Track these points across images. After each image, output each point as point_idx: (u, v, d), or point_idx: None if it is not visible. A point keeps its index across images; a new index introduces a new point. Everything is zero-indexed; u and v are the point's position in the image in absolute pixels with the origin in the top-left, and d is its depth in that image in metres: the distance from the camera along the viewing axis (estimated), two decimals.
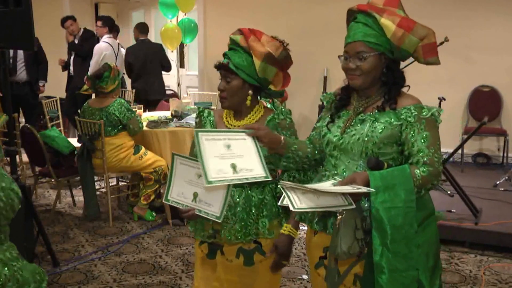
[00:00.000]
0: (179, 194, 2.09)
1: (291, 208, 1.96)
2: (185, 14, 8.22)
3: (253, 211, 2.44)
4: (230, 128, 2.50)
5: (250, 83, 2.44)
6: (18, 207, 1.73)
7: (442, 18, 7.37)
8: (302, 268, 4.33)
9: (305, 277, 4.16)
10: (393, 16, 2.17)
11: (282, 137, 2.35)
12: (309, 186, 2.07)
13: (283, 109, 2.51)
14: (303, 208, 1.99)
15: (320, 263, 2.37)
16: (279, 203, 2.09)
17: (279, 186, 2.17)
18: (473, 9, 7.40)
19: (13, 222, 3.25)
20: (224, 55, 2.49)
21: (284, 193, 2.05)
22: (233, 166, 2.07)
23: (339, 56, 2.28)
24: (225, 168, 2.06)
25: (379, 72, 2.23)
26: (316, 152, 2.46)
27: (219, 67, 2.47)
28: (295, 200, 1.99)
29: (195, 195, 2.11)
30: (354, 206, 2.02)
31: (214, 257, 2.56)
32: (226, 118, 2.58)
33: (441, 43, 5.71)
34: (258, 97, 2.57)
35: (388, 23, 2.15)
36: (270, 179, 2.17)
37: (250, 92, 2.46)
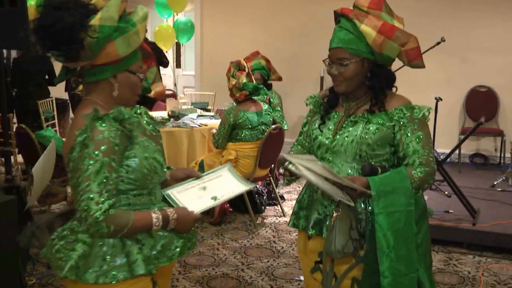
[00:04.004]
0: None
1: (300, 172, 1.98)
2: (176, 14, 8.19)
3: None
4: None
5: None
6: (162, 172, 2.07)
7: (439, 19, 7.38)
8: (300, 270, 4.30)
9: (302, 278, 4.13)
10: (374, 21, 2.15)
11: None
12: (311, 166, 2.05)
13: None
14: (307, 177, 2.00)
15: (316, 268, 2.34)
16: (285, 165, 2.09)
17: (284, 156, 2.14)
18: (470, 10, 7.39)
19: (8, 223, 3.23)
20: None
21: (290, 162, 2.05)
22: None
23: (324, 60, 2.28)
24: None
25: (362, 77, 2.23)
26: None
27: None
28: (302, 169, 2.00)
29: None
30: (352, 203, 2.02)
31: None
32: None
33: (438, 43, 5.75)
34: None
35: (368, 30, 2.14)
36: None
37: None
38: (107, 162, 1.84)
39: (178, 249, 2.03)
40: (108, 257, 1.91)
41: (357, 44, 2.16)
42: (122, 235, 1.90)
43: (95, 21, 1.86)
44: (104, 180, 1.83)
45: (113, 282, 1.90)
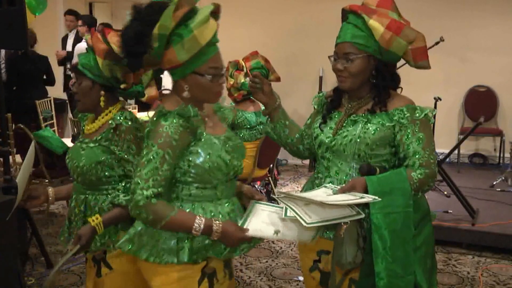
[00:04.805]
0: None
1: (303, 224, 1.92)
2: None
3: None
4: (86, 134, 2.44)
5: (100, 83, 2.35)
6: (227, 169, 2.08)
7: (438, 18, 7.37)
8: (298, 270, 4.30)
9: (301, 278, 4.13)
10: (382, 18, 2.15)
11: (278, 101, 2.42)
12: (307, 195, 2.02)
13: (123, 113, 2.35)
14: (314, 222, 1.94)
15: (315, 267, 2.34)
16: (283, 216, 2.03)
17: (276, 197, 2.12)
18: (469, 10, 7.39)
19: (7, 222, 3.22)
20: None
21: (286, 206, 2.01)
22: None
23: (329, 57, 2.27)
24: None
25: (367, 74, 2.22)
26: (304, 143, 2.44)
27: (71, 69, 2.43)
28: (303, 215, 1.95)
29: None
30: (363, 215, 2.00)
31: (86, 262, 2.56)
32: (88, 123, 2.48)
33: (437, 43, 5.74)
34: (121, 98, 2.48)
35: (376, 25, 2.14)
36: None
37: (102, 92, 2.37)
38: (161, 154, 1.95)
39: (228, 249, 2.05)
40: (160, 239, 2.02)
41: (365, 40, 2.16)
42: (160, 227, 1.97)
43: (155, 29, 1.95)
44: (154, 170, 1.94)
45: (161, 264, 2.01)
